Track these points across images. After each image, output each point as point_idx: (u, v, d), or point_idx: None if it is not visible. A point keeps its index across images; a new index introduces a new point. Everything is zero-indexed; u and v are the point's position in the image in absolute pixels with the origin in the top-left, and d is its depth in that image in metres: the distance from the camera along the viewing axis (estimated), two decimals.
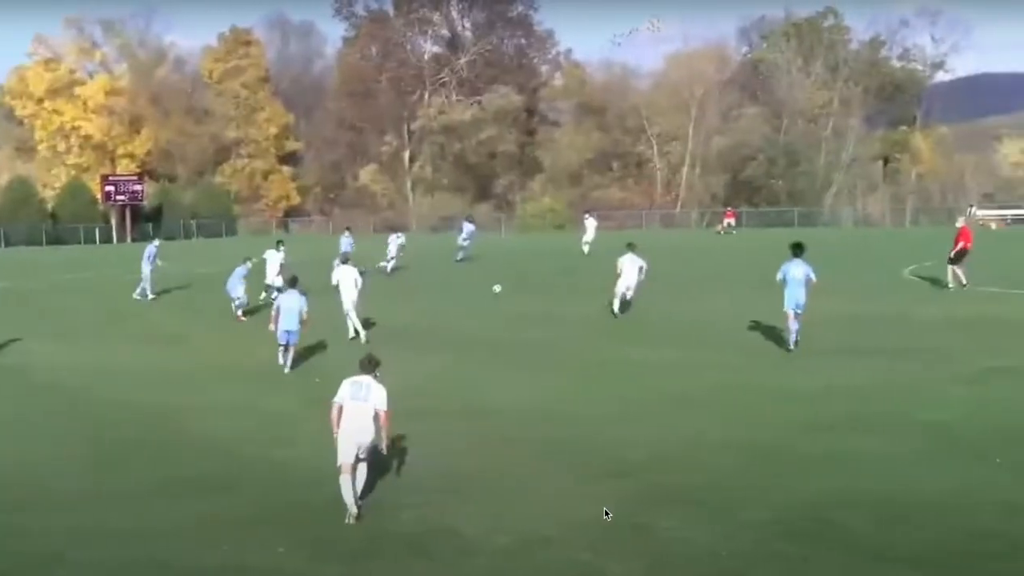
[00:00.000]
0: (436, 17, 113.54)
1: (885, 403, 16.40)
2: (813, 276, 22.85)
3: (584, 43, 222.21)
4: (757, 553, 10.08)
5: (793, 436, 14.46)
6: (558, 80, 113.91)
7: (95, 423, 16.87)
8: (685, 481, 12.44)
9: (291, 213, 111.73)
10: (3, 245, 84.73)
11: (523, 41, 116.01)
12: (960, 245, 33.52)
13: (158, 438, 15.64)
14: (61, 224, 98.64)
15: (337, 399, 12.44)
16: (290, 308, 21.09)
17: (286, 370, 21.18)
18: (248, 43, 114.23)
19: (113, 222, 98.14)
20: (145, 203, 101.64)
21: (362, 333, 24.63)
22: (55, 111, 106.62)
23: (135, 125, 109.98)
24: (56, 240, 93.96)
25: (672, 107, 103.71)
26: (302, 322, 21.00)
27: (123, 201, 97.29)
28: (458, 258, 51.66)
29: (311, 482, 12.95)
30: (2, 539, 11.05)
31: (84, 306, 33.98)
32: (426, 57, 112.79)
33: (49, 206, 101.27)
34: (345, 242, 43.31)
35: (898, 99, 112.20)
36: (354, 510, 11.67)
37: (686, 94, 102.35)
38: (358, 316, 24.93)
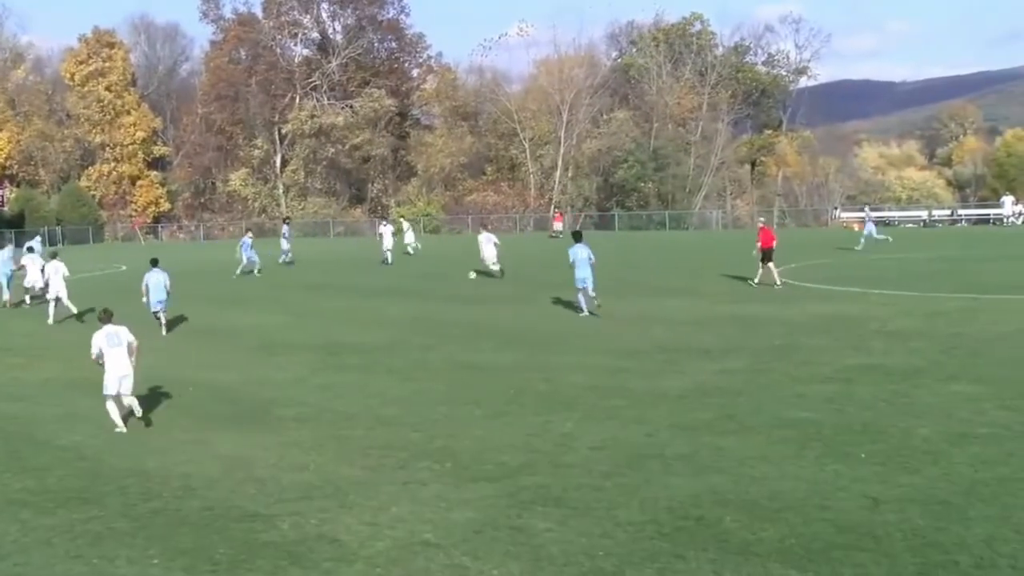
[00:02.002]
0: (306, 20, 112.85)
1: (753, 402, 16.75)
2: (593, 257, 28.70)
3: (455, 48, 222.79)
4: (633, 552, 10.23)
5: (663, 436, 14.69)
6: (430, 84, 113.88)
7: None
8: (559, 483, 12.56)
9: (161, 219, 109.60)
10: None
11: (394, 44, 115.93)
12: (759, 245, 35.63)
13: (15, 448, 15.30)
14: None
15: (95, 349, 16.81)
16: (157, 283, 24.51)
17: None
18: (111, 45, 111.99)
19: None
20: (6, 209, 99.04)
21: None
22: None
23: None
24: None
25: (544, 111, 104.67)
26: (168, 294, 24.40)
27: None
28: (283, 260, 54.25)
29: (182, 490, 12.78)
30: None
31: None
32: (296, 60, 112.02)
33: None
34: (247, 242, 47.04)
35: (764, 103, 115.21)
36: (123, 428, 16.32)
37: (557, 98, 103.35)
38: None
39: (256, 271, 47.19)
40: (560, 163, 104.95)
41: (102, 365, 16.75)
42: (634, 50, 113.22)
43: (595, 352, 22.51)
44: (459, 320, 29.24)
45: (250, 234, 50.01)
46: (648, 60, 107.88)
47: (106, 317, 17.39)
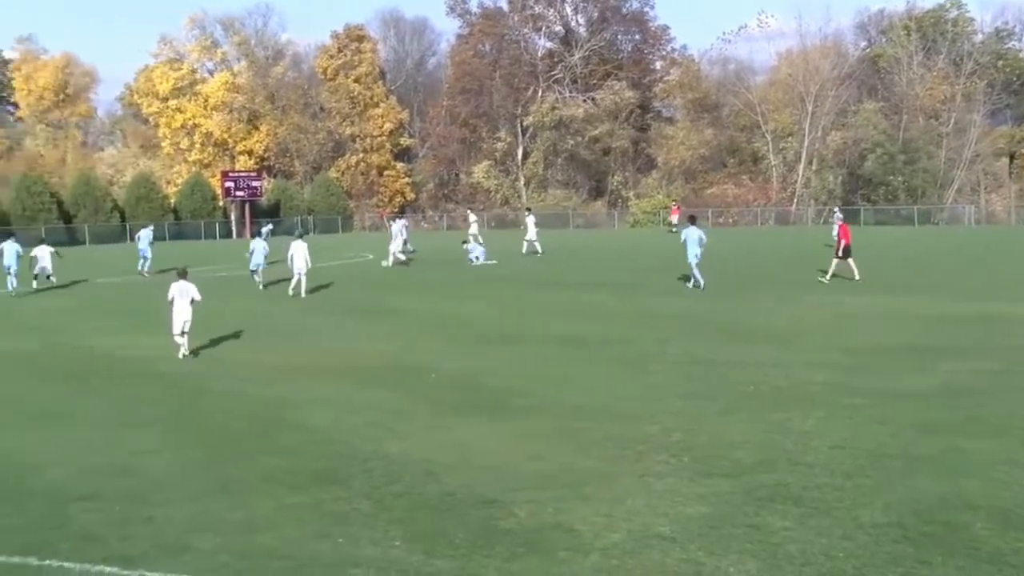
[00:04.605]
0: (550, 13, 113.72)
1: (1003, 404, 16.04)
2: (704, 237, 34.84)
3: (698, 39, 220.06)
4: (875, 555, 9.95)
5: (907, 437, 14.23)
6: (672, 76, 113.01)
7: (206, 414, 17.19)
8: (797, 481, 12.32)
9: (406, 209, 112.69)
10: (127, 240, 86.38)
11: (637, 37, 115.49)
12: (842, 242, 36.83)
13: (270, 430, 15.86)
14: (182, 219, 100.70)
15: (169, 296, 23.10)
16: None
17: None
18: (361, 39, 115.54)
19: (232, 217, 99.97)
20: (264, 199, 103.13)
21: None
22: (178, 109, 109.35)
23: (253, 122, 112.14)
24: (178, 235, 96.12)
25: (787, 103, 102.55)
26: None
27: (242, 197, 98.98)
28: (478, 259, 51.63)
29: (423, 474, 13.05)
30: (132, 527, 11.34)
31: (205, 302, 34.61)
32: (540, 54, 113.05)
33: (171, 202, 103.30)
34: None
35: None
36: (182, 355, 22.87)
37: (802, 90, 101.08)
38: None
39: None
40: (804, 156, 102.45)
41: (171, 305, 22.88)
42: (884, 40, 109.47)
43: (831, 349, 21.94)
44: (683, 313, 28.95)
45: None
46: (899, 50, 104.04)
47: (181, 274, 23.34)
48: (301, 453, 14.35)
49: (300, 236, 37.70)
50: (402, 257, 51.30)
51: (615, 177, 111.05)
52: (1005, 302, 29.61)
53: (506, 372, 20.34)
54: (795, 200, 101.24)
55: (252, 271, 40.87)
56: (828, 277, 36.10)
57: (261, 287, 39.86)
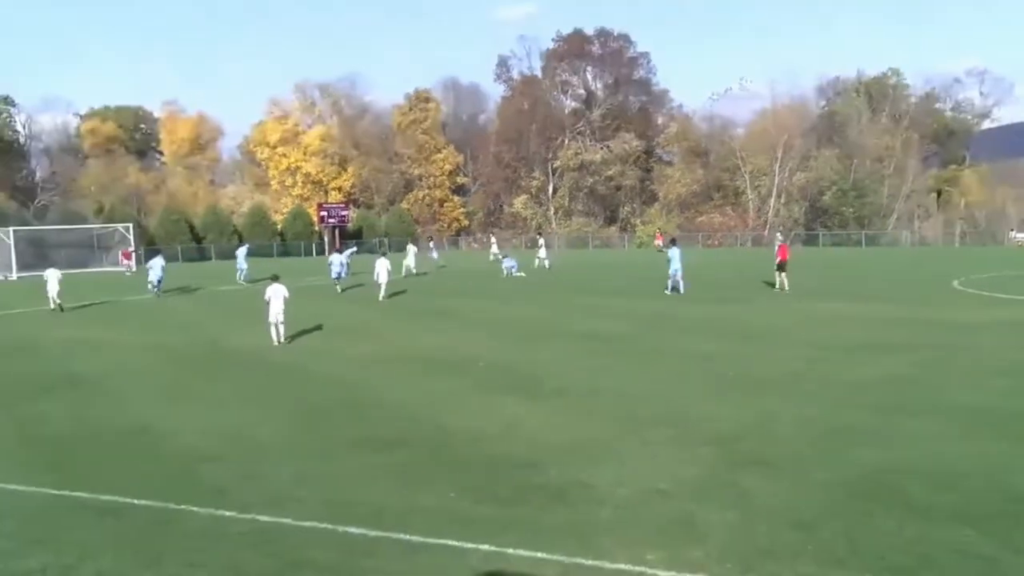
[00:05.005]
0: (575, 80, 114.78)
1: (931, 390, 15.88)
2: (682, 258, 35.31)
3: (691, 98, 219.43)
4: (828, 508, 9.92)
5: (854, 416, 14.13)
6: (671, 129, 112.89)
7: (304, 393, 17.24)
8: (768, 449, 12.28)
9: (460, 232, 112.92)
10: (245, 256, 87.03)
11: (644, 98, 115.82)
12: (778, 259, 36.40)
13: (354, 406, 15.90)
14: (287, 241, 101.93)
15: (267, 296, 23.70)
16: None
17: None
18: (427, 100, 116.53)
19: (325, 239, 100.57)
20: (350, 225, 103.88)
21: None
22: (284, 155, 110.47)
23: (343, 164, 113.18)
24: (284, 253, 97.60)
25: (762, 149, 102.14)
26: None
27: (333, 223, 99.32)
28: (513, 271, 50.25)
29: (472, 441, 13.11)
30: (242, 481, 11.45)
31: (299, 304, 34.79)
32: (566, 111, 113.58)
33: (278, 227, 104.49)
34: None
35: (949, 143, 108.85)
36: (276, 343, 23.35)
37: (773, 139, 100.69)
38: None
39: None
40: (775, 191, 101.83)
41: (268, 304, 23.62)
42: (839, 100, 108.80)
43: (798, 344, 21.71)
44: (688, 316, 28.79)
45: (429, 242, 54.35)
46: (850, 108, 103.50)
47: (275, 278, 23.87)
48: (379, 424, 14.41)
49: (383, 254, 37.98)
50: (414, 270, 51.72)
51: (625, 208, 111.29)
52: (933, 308, 29.33)
53: (540, 361, 20.33)
54: (767, 227, 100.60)
55: (334, 279, 41.66)
56: (778, 287, 36.03)
57: (339, 290, 40.60)
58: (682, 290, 35.37)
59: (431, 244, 55.86)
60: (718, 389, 16.52)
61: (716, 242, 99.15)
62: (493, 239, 64.13)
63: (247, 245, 55.45)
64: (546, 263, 56.13)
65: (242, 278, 49.15)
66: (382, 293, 36.27)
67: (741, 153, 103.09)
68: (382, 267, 36.51)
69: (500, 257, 55.62)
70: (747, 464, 11.59)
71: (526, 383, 17.53)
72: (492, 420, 14.45)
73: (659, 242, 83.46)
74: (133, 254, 72.50)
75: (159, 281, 42.13)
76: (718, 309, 30.78)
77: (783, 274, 35.98)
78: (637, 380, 17.71)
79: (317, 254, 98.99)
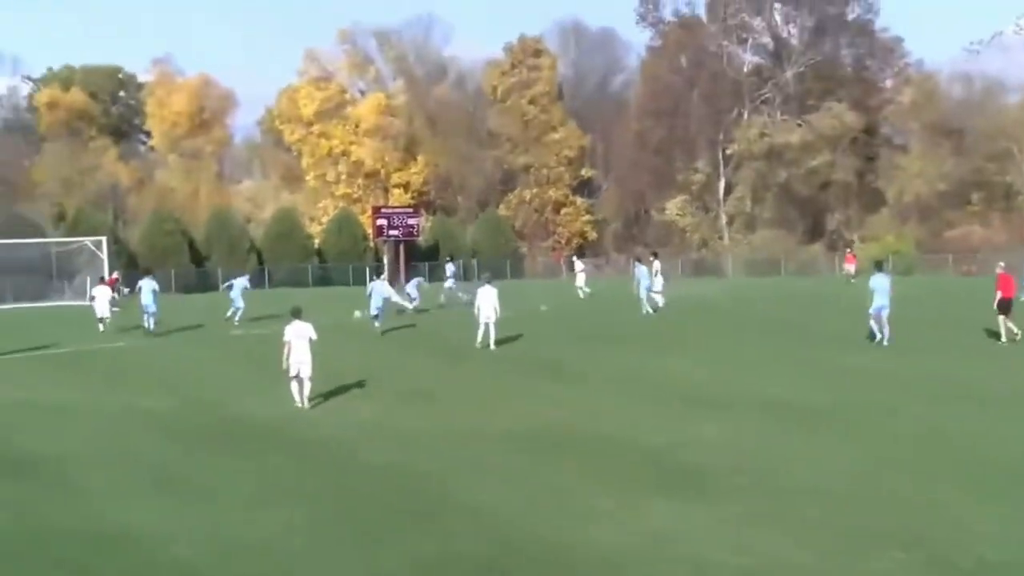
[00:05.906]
0: (757, 23, 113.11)
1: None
2: (888, 286, 35.48)
3: (934, 51, 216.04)
4: None
5: None
6: (905, 96, 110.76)
7: (350, 487, 17.42)
8: None
9: (585, 250, 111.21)
10: (266, 285, 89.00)
11: (862, 51, 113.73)
12: (999, 295, 36.00)
13: (423, 507, 15.93)
14: (328, 261, 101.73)
15: (285, 337, 24.29)
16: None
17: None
18: (538, 53, 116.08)
19: (385, 260, 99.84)
20: (421, 239, 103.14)
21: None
22: (323, 135, 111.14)
23: (410, 150, 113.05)
24: (322, 280, 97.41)
25: None
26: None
27: (396, 236, 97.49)
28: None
29: (606, 568, 12.93)
30: None
31: (342, 350, 35.00)
32: (745, 70, 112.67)
33: (315, 242, 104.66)
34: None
35: None
36: (301, 405, 24.28)
37: None
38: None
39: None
40: None
41: (286, 349, 24.08)
42: None
43: None
44: (917, 375, 28.36)
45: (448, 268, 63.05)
46: None
47: (295, 314, 24.76)
48: (460, 539, 14.36)
49: (488, 281, 38.33)
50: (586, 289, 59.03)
51: (835, 215, 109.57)
52: None
53: (701, 442, 20.12)
54: None
55: (373, 316, 43.17)
56: (1005, 337, 35.28)
57: (380, 333, 42.11)
58: (887, 339, 35.07)
59: (634, 264, 55.44)
60: (990, 491, 16.03)
61: (974, 267, 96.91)
62: (580, 267, 69.11)
63: (247, 275, 56.90)
64: (580, 292, 63.71)
65: (236, 317, 50.02)
66: (492, 339, 36.70)
67: (1016, 131, 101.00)
68: (486, 300, 36.93)
69: (584, 291, 63.98)
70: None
71: (686, 476, 17.37)
72: (632, 533, 14.27)
73: (850, 266, 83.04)
74: (118, 281, 73.66)
75: (153, 313, 44.75)
76: (951, 361, 30.46)
77: (1006, 317, 35.45)
78: (855, 473, 17.40)
79: (373, 279, 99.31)
